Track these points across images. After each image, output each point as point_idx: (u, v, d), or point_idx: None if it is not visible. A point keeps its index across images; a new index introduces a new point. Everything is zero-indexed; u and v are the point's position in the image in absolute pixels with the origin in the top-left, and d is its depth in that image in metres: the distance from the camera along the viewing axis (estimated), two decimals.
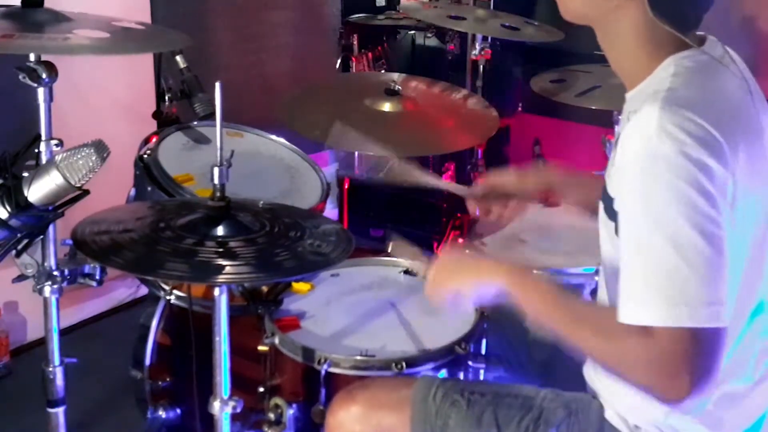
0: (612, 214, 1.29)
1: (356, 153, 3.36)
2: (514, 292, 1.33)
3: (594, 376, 1.45)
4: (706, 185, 1.13)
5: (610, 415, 1.40)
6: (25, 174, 1.49)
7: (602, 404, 1.42)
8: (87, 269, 1.76)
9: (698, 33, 1.31)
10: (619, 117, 2.68)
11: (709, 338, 1.13)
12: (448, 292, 1.41)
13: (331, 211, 2.78)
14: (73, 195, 1.49)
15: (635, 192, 1.17)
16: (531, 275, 1.36)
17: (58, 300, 1.78)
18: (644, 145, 1.15)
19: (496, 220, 1.71)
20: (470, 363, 1.65)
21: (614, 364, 1.22)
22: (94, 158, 1.44)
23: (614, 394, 1.39)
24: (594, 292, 2.00)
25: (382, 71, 3.78)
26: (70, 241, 1.47)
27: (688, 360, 1.13)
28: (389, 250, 1.69)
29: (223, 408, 1.46)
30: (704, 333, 1.12)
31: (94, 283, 1.77)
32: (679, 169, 1.12)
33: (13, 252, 1.56)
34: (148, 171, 1.99)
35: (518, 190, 1.69)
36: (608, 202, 1.31)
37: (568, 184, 1.68)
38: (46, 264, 1.72)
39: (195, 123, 2.19)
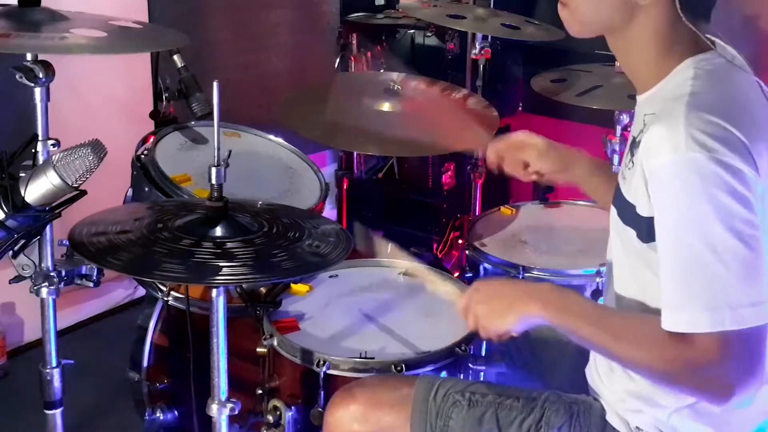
0: (629, 220, 1.28)
1: (355, 153, 3.34)
2: (553, 321, 1.30)
3: (596, 378, 1.44)
4: (739, 189, 1.13)
5: (611, 417, 1.40)
6: (22, 174, 1.49)
7: (603, 406, 1.42)
8: (84, 270, 1.76)
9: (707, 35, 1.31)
10: (621, 116, 2.67)
11: (752, 337, 1.15)
12: (501, 328, 1.35)
13: (329, 212, 2.77)
14: (70, 195, 1.48)
15: (669, 201, 1.17)
16: (567, 300, 1.31)
17: (55, 301, 1.78)
18: (673, 153, 1.15)
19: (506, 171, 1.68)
20: (470, 365, 1.65)
21: (660, 373, 1.22)
22: (91, 158, 1.43)
23: (615, 396, 1.39)
24: (594, 294, 1.99)
25: (382, 71, 3.76)
26: (67, 242, 1.45)
27: (733, 361, 1.15)
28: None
29: (221, 410, 1.45)
30: (748, 333, 1.14)
31: (91, 284, 1.77)
32: (712, 177, 1.13)
33: (10, 253, 1.55)
34: (145, 171, 1.98)
35: (538, 157, 1.66)
36: (624, 206, 1.30)
37: (591, 174, 1.64)
38: (43, 265, 1.72)
39: (192, 123, 2.18)
